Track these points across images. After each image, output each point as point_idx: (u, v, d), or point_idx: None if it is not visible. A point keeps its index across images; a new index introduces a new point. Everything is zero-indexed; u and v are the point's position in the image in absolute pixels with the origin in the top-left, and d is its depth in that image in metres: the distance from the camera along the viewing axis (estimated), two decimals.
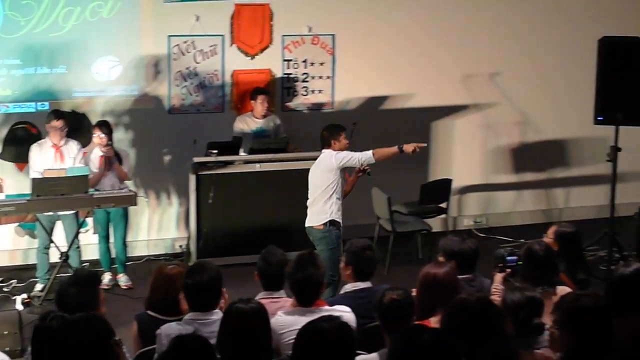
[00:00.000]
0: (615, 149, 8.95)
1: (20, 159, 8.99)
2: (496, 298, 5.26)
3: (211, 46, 9.66)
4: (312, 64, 10.03)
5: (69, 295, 4.82)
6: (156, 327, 4.90)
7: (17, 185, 8.99)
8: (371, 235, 9.15)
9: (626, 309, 4.37)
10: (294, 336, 3.99)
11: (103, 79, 9.35)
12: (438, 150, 10.49)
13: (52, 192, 8.05)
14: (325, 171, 7.80)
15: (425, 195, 9.50)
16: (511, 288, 4.81)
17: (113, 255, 8.95)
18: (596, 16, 10.54)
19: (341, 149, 7.82)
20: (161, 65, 9.53)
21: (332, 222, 7.78)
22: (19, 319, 7.10)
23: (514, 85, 10.59)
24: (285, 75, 9.97)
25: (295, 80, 10.00)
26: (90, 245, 9.11)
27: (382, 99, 10.27)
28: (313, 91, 10.08)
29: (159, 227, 9.81)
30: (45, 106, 9.11)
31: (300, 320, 4.35)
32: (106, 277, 8.80)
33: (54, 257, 8.56)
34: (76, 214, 8.57)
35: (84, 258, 8.86)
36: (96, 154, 8.68)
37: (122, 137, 9.36)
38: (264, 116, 9.53)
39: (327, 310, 4.99)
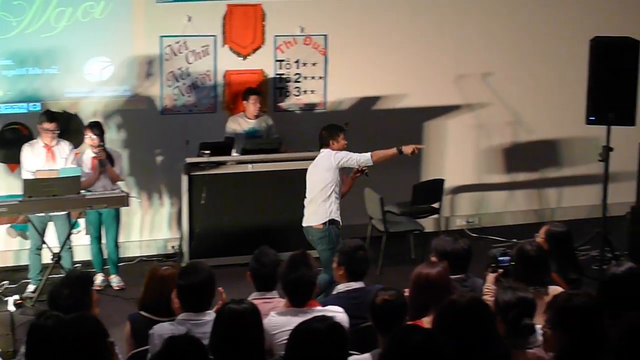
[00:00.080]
0: (607, 149, 8.97)
1: (12, 160, 8.97)
2: (488, 298, 5.26)
3: (203, 47, 9.65)
4: (304, 64, 10.03)
5: (62, 297, 4.81)
6: (149, 327, 4.90)
7: (8, 186, 8.98)
8: (364, 236, 9.15)
9: (619, 309, 4.37)
10: (287, 337, 3.99)
11: (95, 80, 9.33)
12: (430, 151, 10.49)
13: (44, 193, 8.03)
14: (323, 170, 7.84)
15: (418, 196, 9.50)
16: (503, 288, 4.81)
17: (105, 256, 8.94)
18: (588, 16, 10.56)
19: (339, 150, 7.85)
20: (153, 66, 9.53)
21: (332, 221, 7.81)
22: (11, 320, 7.09)
23: (506, 85, 10.61)
24: (278, 76, 9.96)
25: (287, 80, 10.00)
26: (82, 246, 9.09)
27: (375, 99, 10.27)
28: (305, 91, 10.08)
29: (151, 227, 9.80)
30: (37, 107, 9.10)
31: (293, 321, 4.34)
32: (98, 278, 8.78)
33: (46, 258, 8.54)
34: (68, 215, 8.56)
35: (76, 259, 8.85)
36: (88, 155, 8.67)
37: (114, 138, 9.35)
38: (256, 116, 9.53)
39: (320, 310, 4.99)
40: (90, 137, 8.58)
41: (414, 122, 10.33)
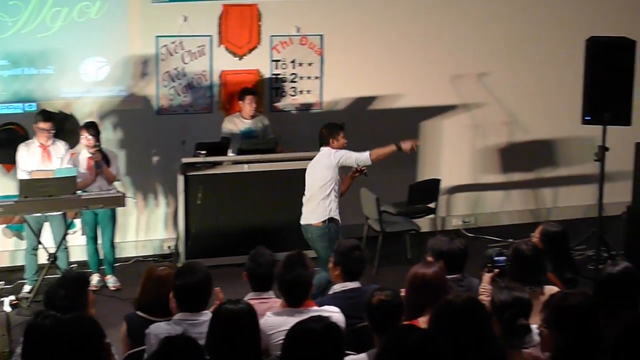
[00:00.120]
0: (603, 149, 8.98)
1: (7, 160, 8.96)
2: (484, 298, 5.27)
3: (199, 47, 9.65)
4: (300, 64, 10.03)
5: (58, 297, 4.81)
6: (145, 327, 4.89)
7: (4, 186, 8.97)
8: (360, 236, 9.15)
9: (615, 308, 4.38)
10: (283, 337, 3.99)
11: (91, 80, 9.33)
12: (426, 151, 10.50)
13: (39, 193, 8.02)
14: (323, 168, 7.86)
15: (414, 196, 9.51)
16: (499, 288, 4.81)
17: (101, 257, 8.93)
18: (584, 16, 10.57)
19: (339, 148, 7.88)
20: (149, 66, 9.52)
21: (331, 220, 7.82)
22: (7, 321, 7.06)
23: (502, 85, 10.62)
24: (274, 76, 9.96)
25: (283, 80, 10.00)
26: (78, 247, 9.08)
27: (371, 99, 10.27)
28: (301, 91, 10.08)
29: (147, 228, 9.79)
30: (33, 107, 9.09)
31: (289, 321, 4.34)
32: (94, 279, 8.77)
33: (42, 258, 8.54)
34: (64, 215, 8.55)
35: (72, 259, 8.84)
36: (84, 155, 8.66)
37: (110, 138, 9.34)
38: (252, 117, 9.53)
39: (316, 310, 4.99)
40: (86, 138, 8.57)
41: (410, 122, 10.34)
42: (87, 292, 4.97)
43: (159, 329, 4.77)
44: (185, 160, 9.09)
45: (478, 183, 10.83)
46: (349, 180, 8.16)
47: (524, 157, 10.89)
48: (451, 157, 10.60)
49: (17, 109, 9.14)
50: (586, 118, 8.98)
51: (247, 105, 9.47)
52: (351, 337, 4.58)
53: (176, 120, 9.64)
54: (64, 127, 9.08)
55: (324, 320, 3.98)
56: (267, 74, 9.93)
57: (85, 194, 8.41)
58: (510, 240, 8.84)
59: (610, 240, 9.14)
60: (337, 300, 5.45)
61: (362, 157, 7.84)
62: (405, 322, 4.68)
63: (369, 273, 8.25)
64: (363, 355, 4.48)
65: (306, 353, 3.86)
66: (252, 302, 4.75)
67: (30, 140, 8.60)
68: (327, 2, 9.98)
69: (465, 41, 10.39)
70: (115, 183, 8.85)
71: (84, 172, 8.58)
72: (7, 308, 8.11)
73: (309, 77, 10.06)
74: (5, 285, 8.83)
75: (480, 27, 10.44)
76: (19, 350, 4.39)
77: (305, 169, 8.59)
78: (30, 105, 9.14)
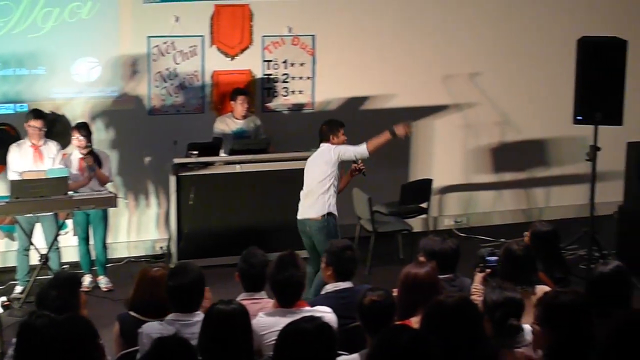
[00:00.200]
0: (595, 149, 9.00)
1: None
2: (476, 298, 5.27)
3: (191, 47, 9.64)
4: (292, 64, 10.02)
5: (49, 298, 4.81)
6: (138, 328, 4.89)
7: None
8: (352, 236, 9.16)
9: (607, 308, 4.38)
10: (276, 337, 3.99)
11: (82, 80, 9.31)
12: (418, 150, 10.51)
13: (31, 194, 8.01)
14: (322, 164, 7.90)
15: (406, 196, 9.51)
16: (492, 287, 4.81)
17: (93, 257, 8.92)
18: (575, 16, 10.59)
19: (339, 145, 7.91)
20: (141, 66, 9.51)
21: (329, 214, 7.85)
22: None
23: (494, 85, 10.63)
24: (266, 76, 9.96)
25: (275, 80, 10.00)
26: (70, 247, 9.07)
27: (363, 99, 10.28)
28: (293, 92, 10.08)
29: (139, 228, 9.78)
30: (24, 107, 9.06)
31: (282, 321, 4.34)
32: (86, 280, 8.76)
33: (34, 259, 8.52)
34: (55, 216, 8.53)
35: (63, 260, 8.82)
36: (76, 155, 8.64)
37: (102, 139, 9.33)
38: (244, 117, 9.52)
39: (308, 311, 4.99)
40: (77, 139, 8.56)
41: (402, 122, 10.31)
42: (78, 293, 4.97)
43: (152, 328, 4.77)
44: (177, 160, 9.08)
45: (470, 183, 10.84)
46: (348, 178, 8.19)
47: (516, 157, 10.90)
48: (443, 157, 10.61)
49: (8, 109, 9.12)
50: (578, 118, 8.99)
51: (239, 105, 9.46)
52: (343, 337, 4.58)
53: (168, 120, 9.63)
54: (56, 127, 9.06)
55: (316, 321, 3.98)
56: (259, 74, 9.92)
57: (77, 194, 8.39)
58: (503, 240, 8.85)
59: (602, 240, 9.15)
60: (330, 300, 5.45)
61: (360, 150, 7.90)
62: (397, 322, 4.68)
63: (361, 273, 8.26)
64: (355, 355, 4.48)
65: (298, 353, 3.86)
66: (244, 302, 4.75)
67: (22, 141, 8.59)
68: (318, 3, 9.98)
69: (457, 41, 10.40)
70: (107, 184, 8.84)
71: (75, 173, 8.57)
72: None
73: (300, 78, 10.06)
74: None
75: (472, 27, 10.45)
76: (10, 351, 4.38)
77: (297, 169, 8.60)
78: (21, 105, 9.12)
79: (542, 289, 5.34)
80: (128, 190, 9.62)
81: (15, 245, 8.78)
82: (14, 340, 4.35)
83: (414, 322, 4.74)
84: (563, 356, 3.96)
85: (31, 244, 8.49)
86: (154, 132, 9.56)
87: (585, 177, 9.70)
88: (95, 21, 9.21)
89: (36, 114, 8.50)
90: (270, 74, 9.97)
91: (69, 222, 9.00)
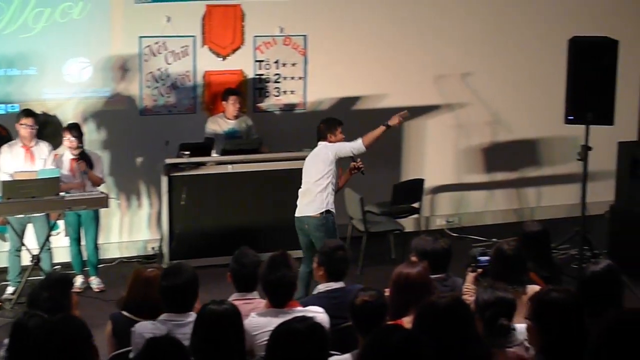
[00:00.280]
0: (586, 148, 9.01)
1: None
2: (468, 298, 5.28)
3: (182, 47, 9.63)
4: (284, 64, 10.02)
5: (41, 299, 4.80)
6: (130, 327, 4.89)
7: None
8: (344, 236, 9.16)
9: (598, 307, 4.39)
10: (268, 337, 3.99)
11: (74, 81, 9.30)
12: (410, 150, 10.52)
13: (22, 194, 7.99)
14: (319, 162, 7.92)
15: (398, 195, 9.52)
16: (484, 287, 4.82)
17: (85, 258, 8.90)
18: (566, 16, 10.61)
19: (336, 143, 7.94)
20: (132, 67, 9.49)
21: (328, 212, 7.87)
22: None
23: (486, 85, 10.64)
24: (257, 76, 9.95)
25: (267, 81, 10.00)
26: (61, 248, 9.05)
27: (355, 99, 10.28)
28: (285, 92, 10.08)
29: (131, 229, 9.76)
30: (16, 108, 9.04)
31: (274, 322, 4.34)
32: (78, 280, 8.74)
33: (26, 259, 8.50)
34: (47, 217, 8.51)
35: (55, 261, 8.80)
36: (67, 156, 8.63)
37: (93, 139, 9.32)
38: (236, 117, 9.52)
39: (301, 311, 4.99)
40: (68, 139, 8.54)
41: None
42: (70, 293, 4.96)
43: (144, 328, 4.77)
44: (169, 160, 9.07)
45: (462, 183, 10.85)
46: (347, 176, 8.20)
47: (507, 157, 10.92)
48: (435, 157, 10.62)
49: None
50: (569, 118, 9.01)
51: (231, 105, 9.46)
52: (335, 337, 4.58)
53: (160, 120, 9.62)
54: (47, 128, 9.03)
55: (308, 321, 3.97)
56: (250, 74, 9.92)
57: (69, 195, 8.38)
58: (494, 239, 8.87)
59: (594, 240, 9.17)
60: (321, 300, 5.45)
61: (356, 145, 7.93)
62: (389, 322, 4.68)
63: (353, 273, 8.26)
64: (347, 355, 4.48)
65: (290, 353, 3.85)
66: (236, 302, 4.75)
67: (14, 142, 8.57)
68: (310, 3, 9.98)
69: (448, 41, 10.41)
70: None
71: (67, 174, 8.55)
72: None
73: (292, 78, 10.06)
74: None
75: (464, 27, 10.47)
76: (2, 352, 4.37)
77: (289, 169, 8.62)
78: (12, 106, 9.10)
79: (533, 288, 5.34)
80: (120, 191, 9.61)
81: (6, 246, 8.75)
82: (6, 340, 4.34)
83: (406, 322, 4.74)
84: (555, 354, 3.97)
85: (23, 244, 8.47)
86: (146, 132, 9.55)
87: (576, 176, 9.71)
88: (86, 21, 9.19)
89: (27, 112, 8.51)
90: (262, 74, 9.97)
91: (61, 223, 8.98)
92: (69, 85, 9.28)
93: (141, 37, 9.46)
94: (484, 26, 10.55)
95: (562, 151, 10.71)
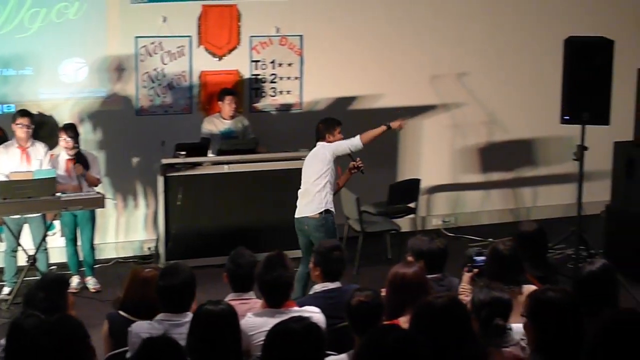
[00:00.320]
0: (582, 148, 9.03)
1: None
2: (464, 298, 5.28)
3: (178, 47, 9.63)
4: (280, 64, 10.02)
5: (37, 299, 4.80)
6: (127, 327, 4.89)
7: None
8: (340, 236, 9.12)
9: (594, 306, 4.40)
10: (264, 337, 3.99)
11: (70, 81, 9.29)
12: (406, 150, 10.52)
13: (18, 195, 7.98)
14: (317, 162, 7.92)
15: (394, 195, 9.52)
16: (480, 287, 4.82)
17: (81, 258, 8.90)
18: (562, 16, 10.62)
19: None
20: (128, 67, 9.49)
21: (327, 211, 7.87)
22: None
23: (482, 85, 10.65)
24: (253, 76, 9.95)
25: (263, 81, 10.00)
26: (57, 248, 9.04)
27: (351, 99, 10.28)
28: (281, 92, 10.07)
29: (127, 229, 9.76)
30: (12, 108, 9.04)
31: (270, 322, 4.34)
32: (74, 281, 8.74)
33: (22, 260, 8.49)
34: (43, 217, 8.51)
35: (51, 261, 8.80)
36: (63, 157, 8.62)
37: (89, 139, 9.31)
38: (232, 117, 9.52)
39: (297, 311, 4.99)
40: (64, 140, 8.53)
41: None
42: (66, 294, 4.96)
43: (141, 328, 4.78)
44: (165, 161, 9.07)
45: (458, 183, 10.86)
46: (347, 176, 8.19)
47: (503, 157, 10.92)
48: (431, 157, 10.63)
49: None
50: (565, 118, 9.02)
51: (227, 105, 9.46)
52: (332, 337, 4.59)
53: (156, 121, 9.62)
54: (43, 128, 9.03)
55: (305, 321, 3.98)
56: (246, 74, 9.92)
57: (65, 195, 8.36)
58: (491, 239, 8.88)
59: (590, 239, 9.18)
60: (318, 300, 5.45)
61: (354, 142, 7.93)
62: (385, 322, 4.69)
63: (350, 273, 8.26)
64: (343, 355, 4.49)
65: (287, 354, 3.86)
66: (232, 302, 4.75)
67: (9, 142, 8.56)
68: (306, 3, 9.98)
69: (444, 41, 10.42)
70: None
71: (63, 175, 8.54)
72: None
73: (288, 78, 10.06)
74: None
75: (460, 27, 10.47)
76: (4, 345, 4.37)
77: (285, 169, 8.62)
78: (8, 106, 9.10)
79: (529, 288, 5.36)
80: (116, 191, 9.61)
81: (2, 247, 8.74)
82: (2, 341, 4.34)
83: (402, 322, 4.75)
84: (551, 353, 3.98)
85: (19, 245, 8.46)
86: (142, 132, 9.55)
87: (572, 176, 9.72)
88: (82, 22, 9.19)
89: (22, 112, 8.51)
90: (258, 74, 9.97)
91: (57, 223, 8.98)
92: (65, 86, 9.28)
93: (137, 37, 9.46)
94: (480, 26, 10.56)
95: (558, 151, 10.71)
